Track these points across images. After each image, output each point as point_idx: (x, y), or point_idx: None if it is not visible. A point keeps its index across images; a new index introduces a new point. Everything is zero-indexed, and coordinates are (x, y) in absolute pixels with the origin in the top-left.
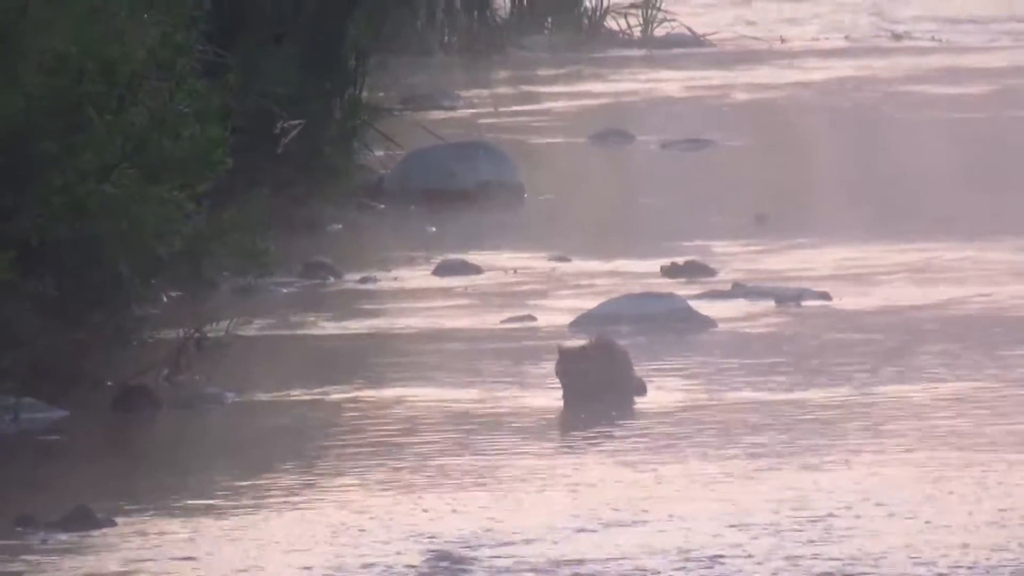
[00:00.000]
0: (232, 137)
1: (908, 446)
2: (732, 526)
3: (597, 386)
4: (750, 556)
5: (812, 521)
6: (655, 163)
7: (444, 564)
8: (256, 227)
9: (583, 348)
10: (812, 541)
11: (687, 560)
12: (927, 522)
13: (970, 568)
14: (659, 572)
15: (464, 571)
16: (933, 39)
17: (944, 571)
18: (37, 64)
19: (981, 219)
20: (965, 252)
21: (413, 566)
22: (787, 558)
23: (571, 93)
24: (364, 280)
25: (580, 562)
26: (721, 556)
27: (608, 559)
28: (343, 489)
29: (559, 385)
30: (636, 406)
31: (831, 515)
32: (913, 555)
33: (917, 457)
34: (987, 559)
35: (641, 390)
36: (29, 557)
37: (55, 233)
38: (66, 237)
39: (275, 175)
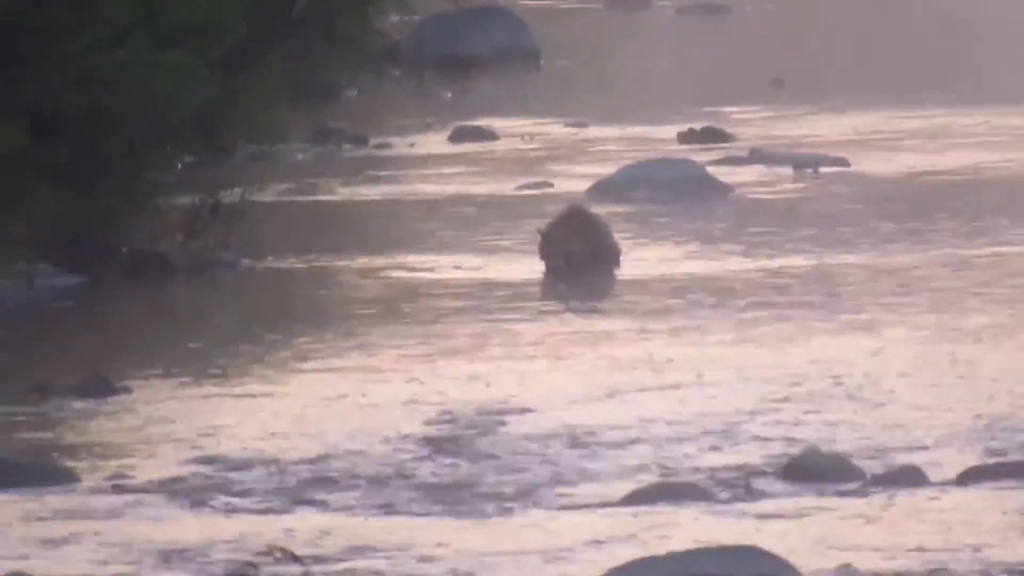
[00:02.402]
0: (246, 2)
1: (928, 310)
2: (738, 393)
3: (580, 261)
4: (754, 422)
5: (828, 386)
6: (672, 29)
7: (450, 432)
8: (270, 94)
9: (566, 228)
10: (822, 407)
11: (692, 427)
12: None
13: (995, 421)
14: (678, 438)
15: (467, 439)
16: None
17: (966, 428)
18: None
19: (998, 86)
20: (982, 118)
21: (420, 433)
22: (795, 423)
23: None
24: (379, 146)
25: (579, 430)
26: (730, 424)
27: (610, 427)
28: (356, 355)
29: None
30: (629, 276)
31: (847, 379)
32: (930, 417)
33: (936, 319)
34: (1010, 417)
35: (616, 259)
36: (45, 423)
37: (67, 101)
38: (79, 105)
39: (290, 41)
